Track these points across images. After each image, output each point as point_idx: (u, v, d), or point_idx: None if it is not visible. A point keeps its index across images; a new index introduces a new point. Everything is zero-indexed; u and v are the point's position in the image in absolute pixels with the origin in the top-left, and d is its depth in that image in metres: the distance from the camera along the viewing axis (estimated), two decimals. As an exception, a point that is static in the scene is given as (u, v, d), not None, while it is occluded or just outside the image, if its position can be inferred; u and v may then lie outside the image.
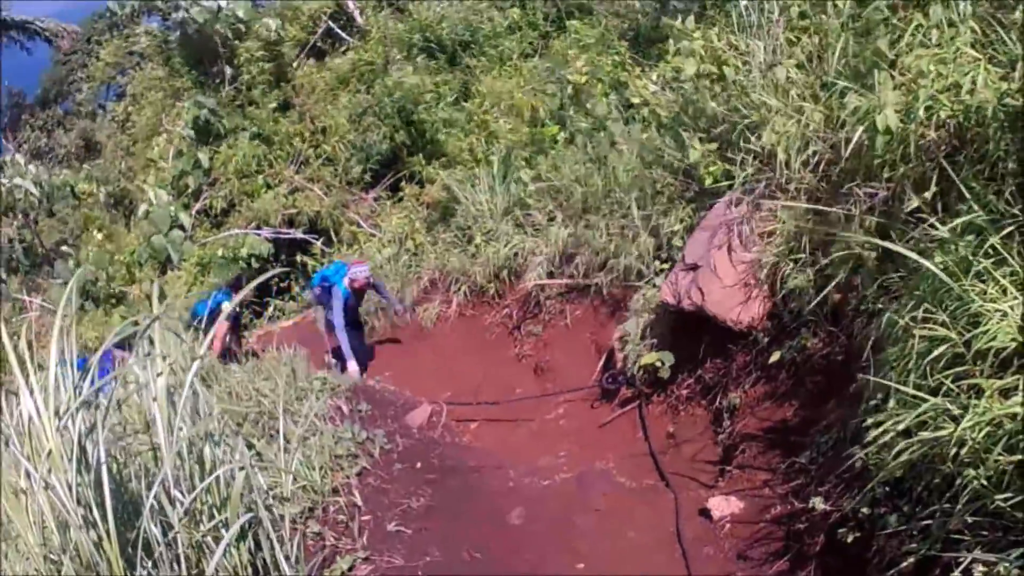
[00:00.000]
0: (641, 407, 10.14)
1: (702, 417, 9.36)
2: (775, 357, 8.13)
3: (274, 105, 24.42)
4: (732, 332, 8.90)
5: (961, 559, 4.22)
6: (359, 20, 26.56)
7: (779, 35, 9.96)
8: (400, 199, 22.31)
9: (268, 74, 24.22)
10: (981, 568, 4.14)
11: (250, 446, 5.99)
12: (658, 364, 9.79)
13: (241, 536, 4.80)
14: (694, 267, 9.48)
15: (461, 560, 6.85)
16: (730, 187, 9.56)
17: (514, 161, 16.88)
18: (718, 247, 9.22)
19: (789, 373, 8.19)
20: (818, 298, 7.75)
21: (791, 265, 8.27)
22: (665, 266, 11.01)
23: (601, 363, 11.44)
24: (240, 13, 23.70)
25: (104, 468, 4.33)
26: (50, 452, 4.31)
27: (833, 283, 7.53)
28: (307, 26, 27.04)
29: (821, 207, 7.86)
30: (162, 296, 18.77)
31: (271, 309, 20.99)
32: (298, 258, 21.63)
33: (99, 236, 23.20)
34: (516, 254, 14.09)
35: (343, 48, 26.57)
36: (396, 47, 24.68)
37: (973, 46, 6.41)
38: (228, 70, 24.38)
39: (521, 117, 18.27)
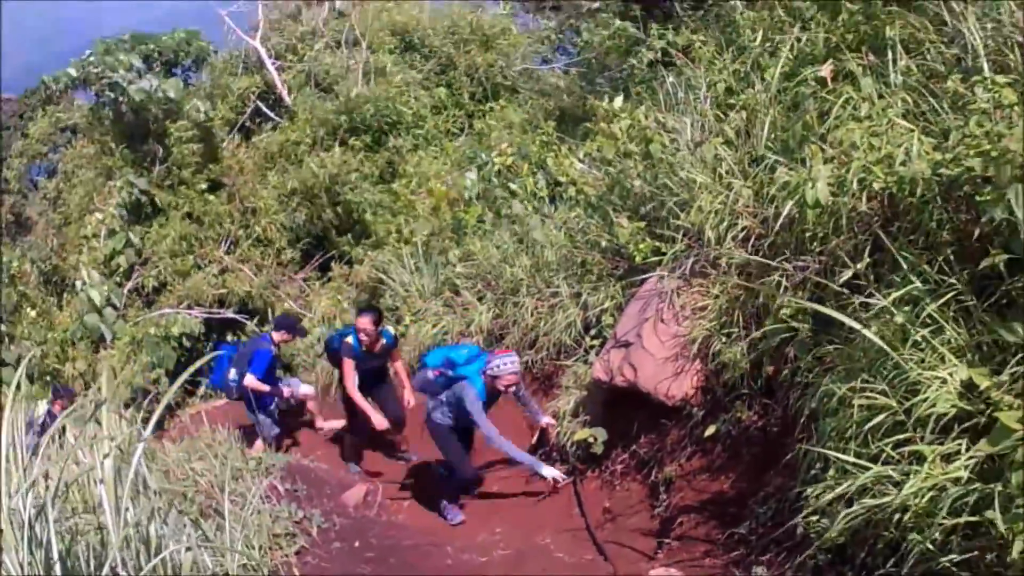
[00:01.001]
0: (576, 483, 10.11)
1: (638, 491, 9.34)
2: (710, 431, 8.15)
3: (204, 185, 24.37)
4: (666, 407, 8.90)
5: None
6: (287, 100, 26.61)
7: (706, 112, 10.09)
8: (329, 279, 22.43)
9: (198, 154, 24.13)
10: (932, 630, 4.16)
11: (195, 525, 5.95)
12: (591, 440, 9.79)
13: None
14: (626, 344, 9.51)
15: (402, 637, 6.81)
16: (660, 264, 9.61)
17: (441, 242, 16.93)
18: (649, 323, 9.25)
19: (725, 446, 8.21)
20: (751, 371, 7.82)
21: (723, 339, 8.32)
22: (595, 342, 11.05)
23: (534, 439, 11.42)
24: (171, 93, 23.65)
25: (55, 549, 4.28)
26: (1, 532, 4.25)
27: (766, 355, 7.60)
28: (236, 106, 27.03)
29: (752, 282, 7.94)
30: (95, 376, 18.68)
31: (202, 388, 20.87)
32: (229, 338, 21.44)
33: (32, 313, 22.98)
34: (446, 333, 14.03)
35: (271, 127, 26.58)
36: (323, 127, 24.73)
37: (905, 117, 6.52)
38: (160, 149, 24.29)
39: (445, 199, 18.32)
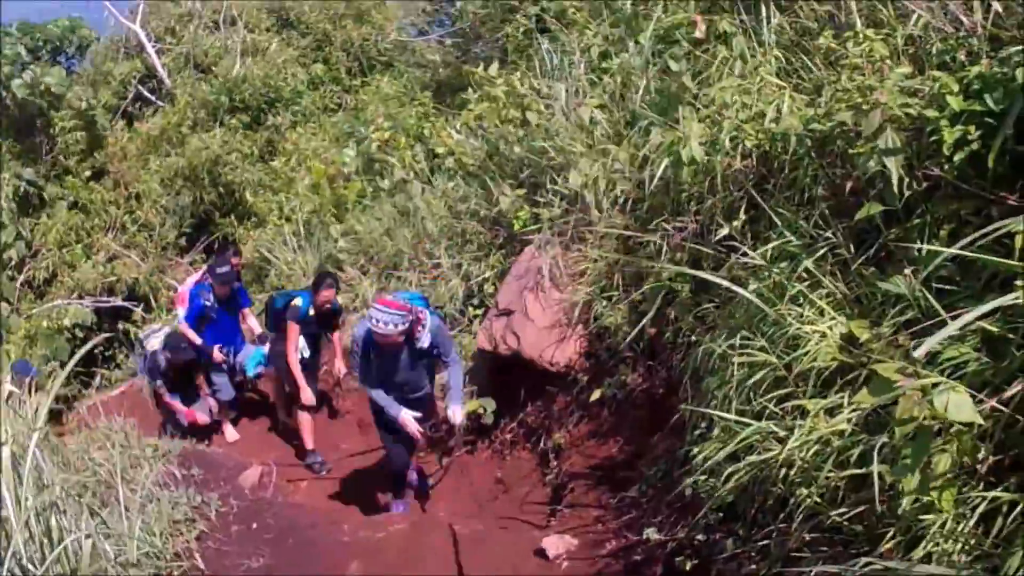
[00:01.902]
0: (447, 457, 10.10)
1: (528, 460, 9.34)
2: (595, 395, 8.14)
3: (89, 173, 23.86)
4: (551, 374, 8.89)
5: (804, 575, 4.24)
6: (167, 83, 26.24)
7: (580, 77, 10.06)
8: (214, 261, 22.10)
9: (82, 143, 23.67)
10: (825, 582, 4.17)
11: (93, 514, 5.87)
12: (480, 411, 9.74)
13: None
14: (508, 312, 9.47)
15: (304, 614, 6.79)
16: (539, 231, 9.58)
17: (322, 218, 16.81)
18: (530, 290, 9.23)
19: (611, 410, 8.22)
20: (633, 333, 7.81)
21: (604, 303, 8.31)
22: (479, 312, 11.02)
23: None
24: (53, 84, 23.21)
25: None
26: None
27: (647, 318, 7.60)
28: (118, 91, 26.58)
29: (630, 244, 7.94)
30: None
31: (98, 379, 20.61)
32: (120, 326, 21.08)
33: (-78, 311, 22.52)
34: (331, 309, 13.93)
35: (152, 111, 26.21)
36: (203, 109, 24.44)
37: (778, 75, 6.53)
38: (45, 140, 23.85)
39: (324, 175, 18.18)
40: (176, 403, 12.32)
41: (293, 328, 11.13)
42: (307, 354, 11.40)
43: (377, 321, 8.23)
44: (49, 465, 5.48)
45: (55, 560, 4.58)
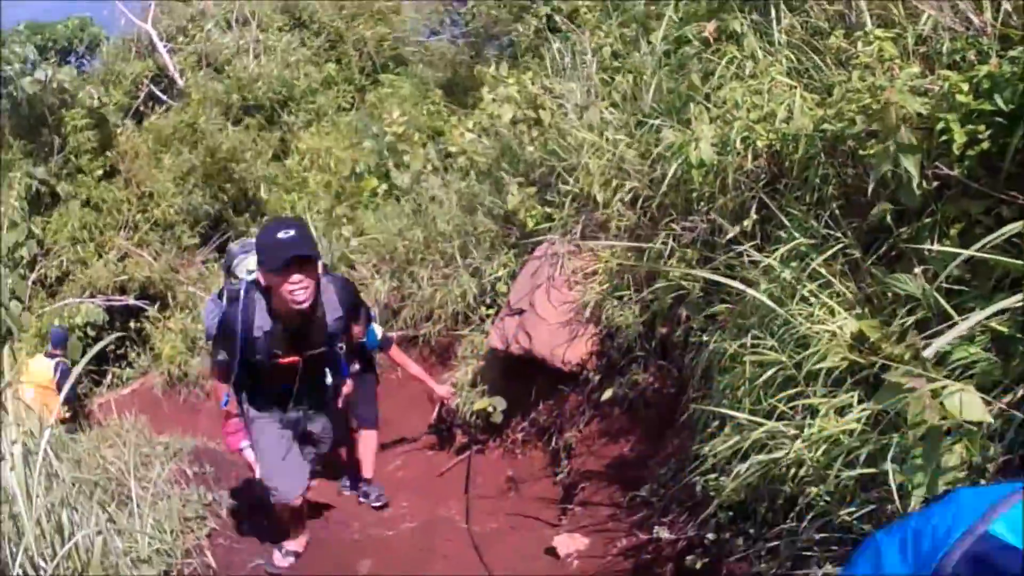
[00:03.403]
0: (470, 458, 10.09)
1: (539, 459, 9.35)
2: (607, 395, 8.15)
3: (100, 172, 23.98)
4: (562, 373, 8.90)
5: (813, 575, 4.25)
6: (179, 82, 26.27)
7: (592, 76, 10.07)
8: (228, 260, 22.11)
9: (94, 141, 23.73)
10: (834, 582, 4.17)
11: (104, 510, 5.91)
12: (490, 409, 9.77)
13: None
14: (520, 311, 9.49)
15: (316, 613, 6.80)
16: (550, 229, 9.61)
17: (334, 217, 16.83)
18: (542, 289, 9.24)
19: (623, 409, 8.22)
20: (645, 333, 7.83)
21: (615, 302, 8.32)
22: (491, 312, 11.04)
23: (435, 412, 11.38)
24: (65, 82, 23.26)
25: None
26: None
27: (658, 317, 7.61)
28: (130, 90, 26.63)
29: (641, 243, 7.94)
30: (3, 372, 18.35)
31: (109, 377, 20.66)
32: (132, 324, 21.21)
33: (-66, 310, 22.57)
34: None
35: (164, 110, 26.23)
36: (216, 108, 24.47)
37: (789, 74, 6.53)
38: (56, 139, 23.88)
39: (339, 173, 18.21)
40: None
41: None
42: None
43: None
44: (60, 462, 5.51)
45: (65, 556, 4.60)
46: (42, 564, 4.43)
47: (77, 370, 7.25)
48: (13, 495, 4.54)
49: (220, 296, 7.51)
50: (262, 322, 6.41)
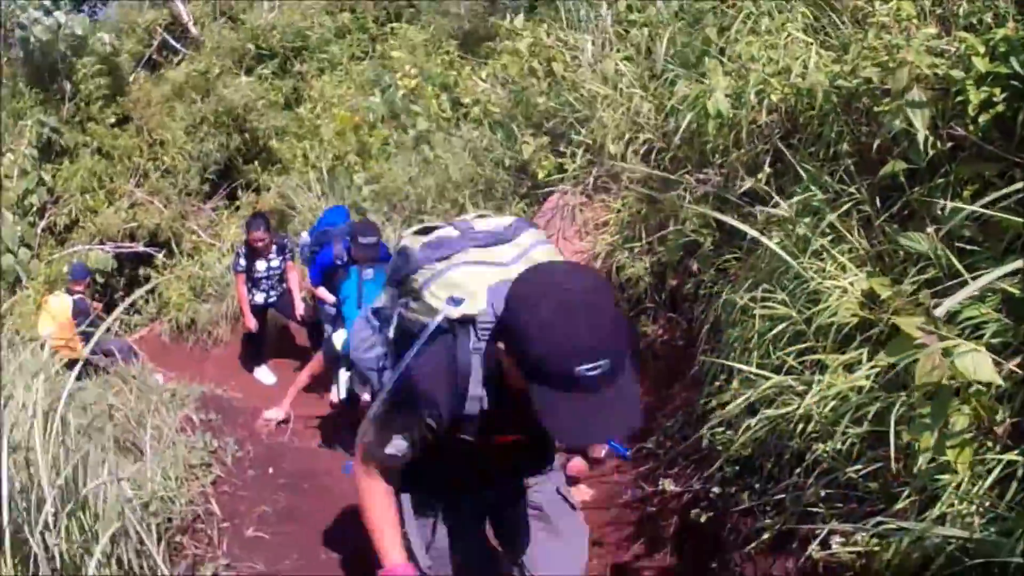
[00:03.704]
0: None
1: (547, 409, 9.34)
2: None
3: (112, 120, 23.92)
4: (573, 323, 8.88)
5: (818, 531, 4.25)
6: (193, 31, 26.21)
7: (607, 29, 10.04)
8: (238, 208, 22.26)
9: (105, 89, 23.69)
10: (838, 539, 4.17)
11: (114, 455, 5.93)
12: (499, 359, 9.75)
13: (112, 549, 4.73)
14: (531, 261, 9.47)
15: (319, 561, 6.81)
16: (562, 180, 9.60)
17: (346, 166, 16.82)
18: (552, 239, 9.23)
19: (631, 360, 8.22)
20: (656, 285, 7.83)
21: (626, 253, 8.31)
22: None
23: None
24: (78, 29, 23.20)
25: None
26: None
27: (669, 269, 7.61)
28: (143, 39, 26.60)
29: (654, 194, 7.93)
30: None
31: (117, 324, 20.71)
32: (140, 271, 21.29)
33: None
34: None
35: (178, 59, 26.18)
36: (229, 57, 24.42)
37: (805, 31, 6.51)
38: (68, 87, 23.85)
39: (351, 122, 18.18)
40: None
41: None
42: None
43: None
44: (70, 410, 5.52)
45: (79, 506, 4.62)
46: (51, 513, 4.45)
47: (104, 327, 7.18)
48: (29, 443, 4.56)
49: (376, 315, 4.30)
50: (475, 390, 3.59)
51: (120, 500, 4.88)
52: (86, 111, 23.74)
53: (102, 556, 4.53)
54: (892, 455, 3.90)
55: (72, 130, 23.65)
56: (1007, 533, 3.41)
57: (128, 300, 6.91)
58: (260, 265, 12.87)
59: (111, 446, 6.95)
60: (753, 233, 5.26)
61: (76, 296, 14.63)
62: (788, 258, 5.11)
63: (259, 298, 13.13)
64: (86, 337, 12.99)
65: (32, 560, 4.27)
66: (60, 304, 14.29)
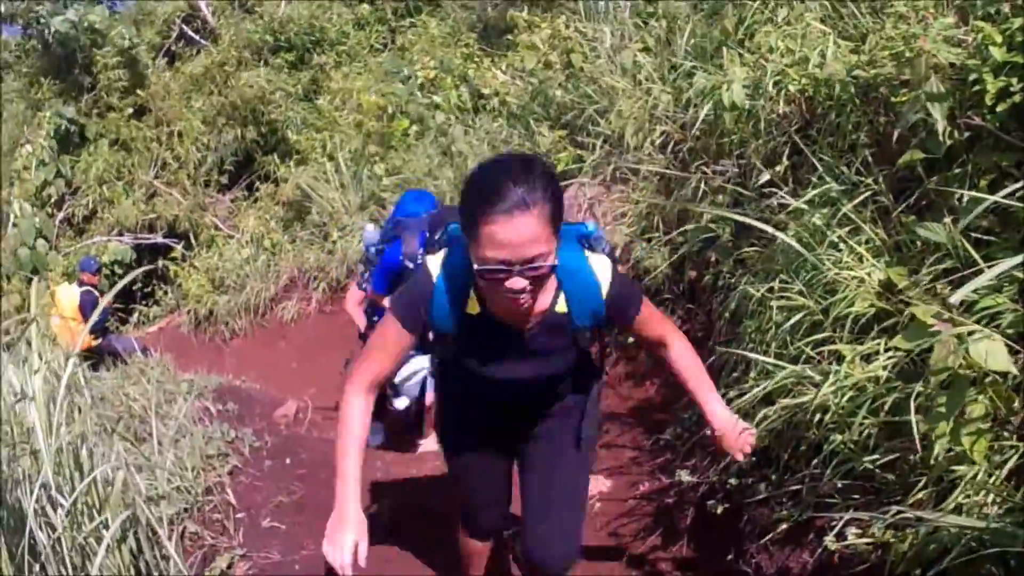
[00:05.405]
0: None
1: (565, 400, 9.35)
2: (632, 337, 8.15)
3: (131, 111, 24.09)
4: (590, 314, 8.89)
5: (834, 522, 4.26)
6: (211, 23, 26.27)
7: (626, 20, 10.05)
8: (256, 199, 22.25)
9: (124, 80, 23.84)
10: (855, 529, 4.18)
11: (127, 448, 5.93)
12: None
13: (122, 537, 4.74)
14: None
15: (335, 552, 6.80)
16: (580, 171, 9.60)
17: (366, 157, 16.83)
18: (571, 231, 9.22)
19: (649, 352, 8.24)
20: (674, 276, 7.83)
21: (644, 245, 8.32)
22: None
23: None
24: (96, 22, 23.30)
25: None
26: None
27: (687, 260, 7.62)
28: (162, 30, 26.72)
29: (672, 187, 7.93)
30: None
31: (136, 315, 20.78)
32: (159, 263, 21.21)
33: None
34: (373, 249, 13.99)
35: (196, 51, 26.25)
36: (247, 48, 24.47)
37: (823, 22, 6.50)
38: (87, 78, 23.94)
39: (370, 113, 18.19)
40: None
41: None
42: None
43: None
44: (82, 396, 5.54)
45: (84, 492, 4.64)
46: (60, 499, 4.47)
47: (104, 301, 7.23)
48: (33, 429, 4.58)
49: None
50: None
51: (131, 488, 4.90)
52: (105, 102, 23.84)
53: (112, 542, 4.56)
54: (915, 443, 3.90)
55: (91, 122, 23.71)
56: (1023, 524, 3.41)
57: (114, 289, 6.86)
58: None
59: (127, 435, 6.99)
60: (768, 229, 5.27)
61: (84, 288, 14.72)
62: (803, 250, 5.12)
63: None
64: (95, 330, 13.06)
65: (29, 535, 4.30)
66: (67, 297, 14.43)
